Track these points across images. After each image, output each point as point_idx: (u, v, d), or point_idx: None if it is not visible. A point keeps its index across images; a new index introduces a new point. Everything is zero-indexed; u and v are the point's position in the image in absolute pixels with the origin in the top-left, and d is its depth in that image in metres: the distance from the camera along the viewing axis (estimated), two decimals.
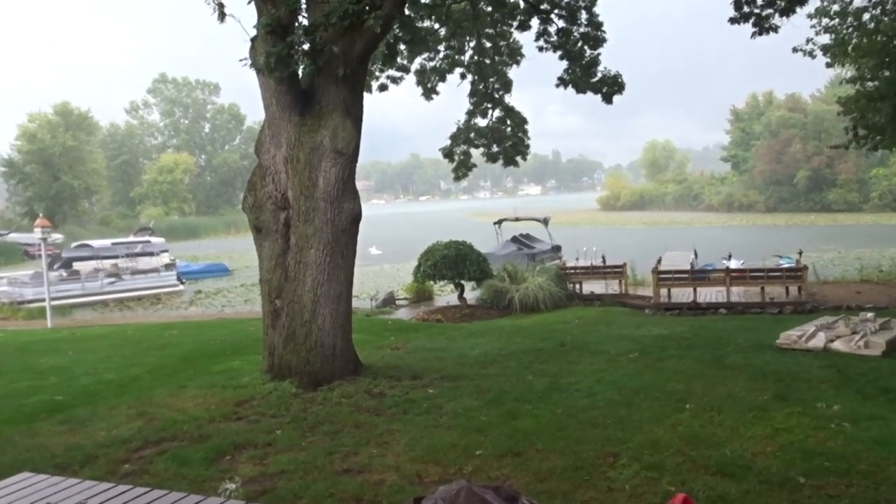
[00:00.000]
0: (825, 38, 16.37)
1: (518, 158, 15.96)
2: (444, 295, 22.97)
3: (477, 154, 16.52)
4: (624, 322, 14.68)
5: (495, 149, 15.85)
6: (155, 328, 16.71)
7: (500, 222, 28.49)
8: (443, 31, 14.81)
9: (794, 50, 16.35)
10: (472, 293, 20.39)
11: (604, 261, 22.58)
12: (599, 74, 13.39)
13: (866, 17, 15.69)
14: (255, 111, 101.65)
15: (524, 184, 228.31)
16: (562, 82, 13.73)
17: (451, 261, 19.11)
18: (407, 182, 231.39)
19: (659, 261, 20.11)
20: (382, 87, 14.25)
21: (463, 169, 16.25)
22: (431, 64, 15.36)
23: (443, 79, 15.46)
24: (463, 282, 19.93)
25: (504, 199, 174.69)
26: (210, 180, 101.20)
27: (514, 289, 18.54)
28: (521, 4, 13.92)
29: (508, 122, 15.72)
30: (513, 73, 15.79)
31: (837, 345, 9.96)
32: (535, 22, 13.78)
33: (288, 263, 8.47)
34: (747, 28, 11.95)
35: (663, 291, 17.81)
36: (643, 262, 22.21)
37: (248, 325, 15.45)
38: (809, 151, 69.80)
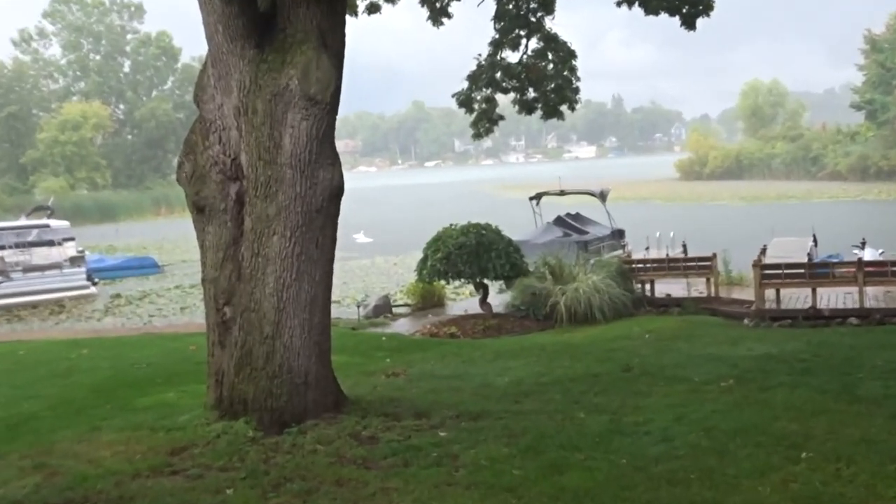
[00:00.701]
0: None
1: (563, 108, 15.85)
2: (461, 300, 22.98)
3: (505, 102, 16.45)
4: (714, 337, 14.63)
5: (531, 94, 15.76)
6: (57, 346, 16.82)
7: (538, 197, 28.44)
8: None
9: None
10: (499, 297, 20.39)
11: (685, 251, 22.50)
12: None
13: None
14: (194, 43, 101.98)
15: (572, 143, 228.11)
16: None
17: (471, 252, 19.10)
18: (407, 141, 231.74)
19: (763, 250, 20.00)
20: (372, 8, 14.16)
21: (486, 122, 16.17)
22: None
23: None
24: (487, 281, 19.93)
25: (544, 164, 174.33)
26: (132, 140, 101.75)
27: (558, 291, 18.52)
28: None
29: (550, 56, 15.61)
30: None
31: None
32: None
33: (241, 256, 8.48)
34: None
35: (769, 293, 17.72)
36: (740, 253, 22.10)
37: (185, 342, 15.52)
38: None
